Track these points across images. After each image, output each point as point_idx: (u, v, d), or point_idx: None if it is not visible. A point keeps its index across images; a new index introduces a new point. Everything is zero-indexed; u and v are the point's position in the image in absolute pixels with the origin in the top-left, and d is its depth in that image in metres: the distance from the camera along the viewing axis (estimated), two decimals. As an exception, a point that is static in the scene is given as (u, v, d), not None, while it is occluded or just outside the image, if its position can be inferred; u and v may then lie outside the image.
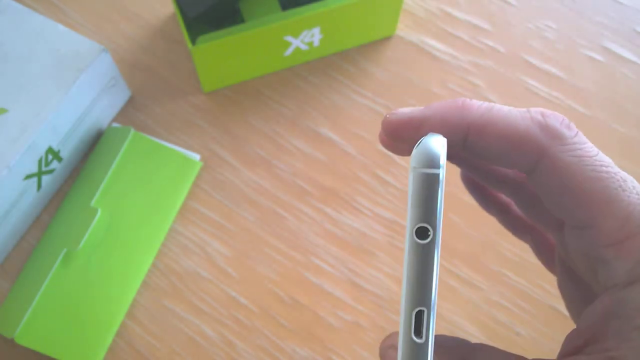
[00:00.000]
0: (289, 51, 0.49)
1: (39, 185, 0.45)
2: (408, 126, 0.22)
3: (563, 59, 0.52)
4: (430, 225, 0.18)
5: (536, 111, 0.21)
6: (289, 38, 0.48)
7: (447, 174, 0.26)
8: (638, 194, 0.19)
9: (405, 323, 0.18)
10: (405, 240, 0.19)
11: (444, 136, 0.20)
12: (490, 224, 0.43)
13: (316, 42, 0.49)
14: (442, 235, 0.24)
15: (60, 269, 0.42)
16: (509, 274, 0.45)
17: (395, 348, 0.22)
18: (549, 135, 0.20)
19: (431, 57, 0.52)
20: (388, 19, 0.50)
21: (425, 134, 0.20)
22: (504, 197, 0.28)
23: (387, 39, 0.53)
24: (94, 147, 0.49)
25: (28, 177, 0.43)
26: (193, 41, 0.47)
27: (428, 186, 0.18)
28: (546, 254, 0.27)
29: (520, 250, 0.45)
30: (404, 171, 0.48)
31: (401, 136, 0.22)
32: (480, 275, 0.45)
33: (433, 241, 0.18)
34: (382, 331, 0.43)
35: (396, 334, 0.21)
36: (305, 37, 0.48)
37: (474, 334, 0.43)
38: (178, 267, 0.45)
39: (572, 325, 0.23)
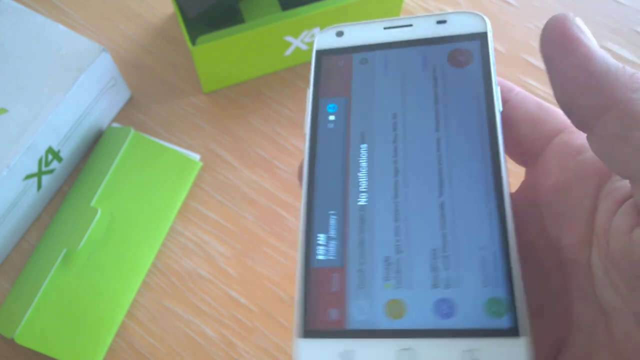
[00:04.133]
0: (289, 51, 0.49)
1: (39, 185, 0.45)
2: None
3: (563, 59, 0.52)
4: None
5: None
6: (289, 38, 0.48)
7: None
8: None
9: None
10: None
11: None
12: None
13: (316, 42, 0.49)
14: None
15: (60, 269, 0.42)
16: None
17: None
18: None
19: (431, 57, 0.52)
20: (388, 19, 0.50)
21: None
22: None
23: (387, 39, 0.53)
24: (94, 147, 0.49)
25: (28, 177, 0.43)
26: (193, 41, 0.47)
27: None
28: None
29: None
30: (404, 171, 0.48)
31: None
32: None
33: None
34: (382, 331, 0.43)
35: None
36: (305, 37, 0.48)
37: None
38: (178, 267, 0.45)
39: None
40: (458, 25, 0.24)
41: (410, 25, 0.25)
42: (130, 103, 0.50)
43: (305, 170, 0.23)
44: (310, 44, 0.49)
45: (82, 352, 0.41)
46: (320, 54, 0.26)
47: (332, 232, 0.22)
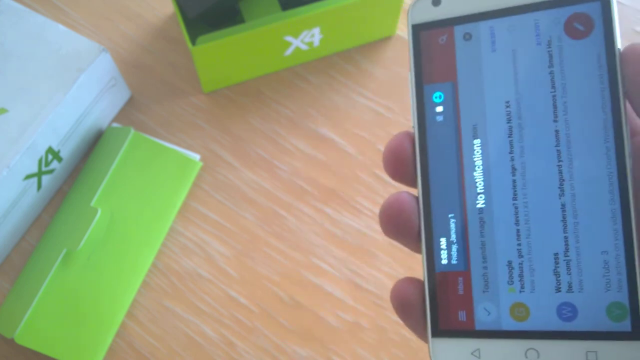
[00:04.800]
0: (289, 51, 0.49)
1: (39, 185, 0.45)
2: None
3: (563, 59, 0.52)
4: None
5: None
6: (289, 38, 0.48)
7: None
8: None
9: None
10: None
11: None
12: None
13: (316, 42, 0.49)
14: None
15: (60, 269, 0.42)
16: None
17: None
18: None
19: (431, 57, 0.52)
20: (388, 19, 0.50)
21: None
22: None
23: (387, 39, 0.53)
24: (94, 147, 0.49)
25: (28, 177, 0.43)
26: (193, 41, 0.47)
27: None
28: None
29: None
30: (404, 171, 0.48)
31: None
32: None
33: None
34: (382, 331, 0.43)
35: None
36: (305, 37, 0.48)
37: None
38: (178, 267, 0.45)
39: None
40: None
41: None
42: (130, 103, 0.50)
43: (419, 170, 0.23)
44: (310, 44, 0.49)
45: (82, 352, 0.41)
46: (417, 29, 0.23)
47: (453, 237, 0.22)
